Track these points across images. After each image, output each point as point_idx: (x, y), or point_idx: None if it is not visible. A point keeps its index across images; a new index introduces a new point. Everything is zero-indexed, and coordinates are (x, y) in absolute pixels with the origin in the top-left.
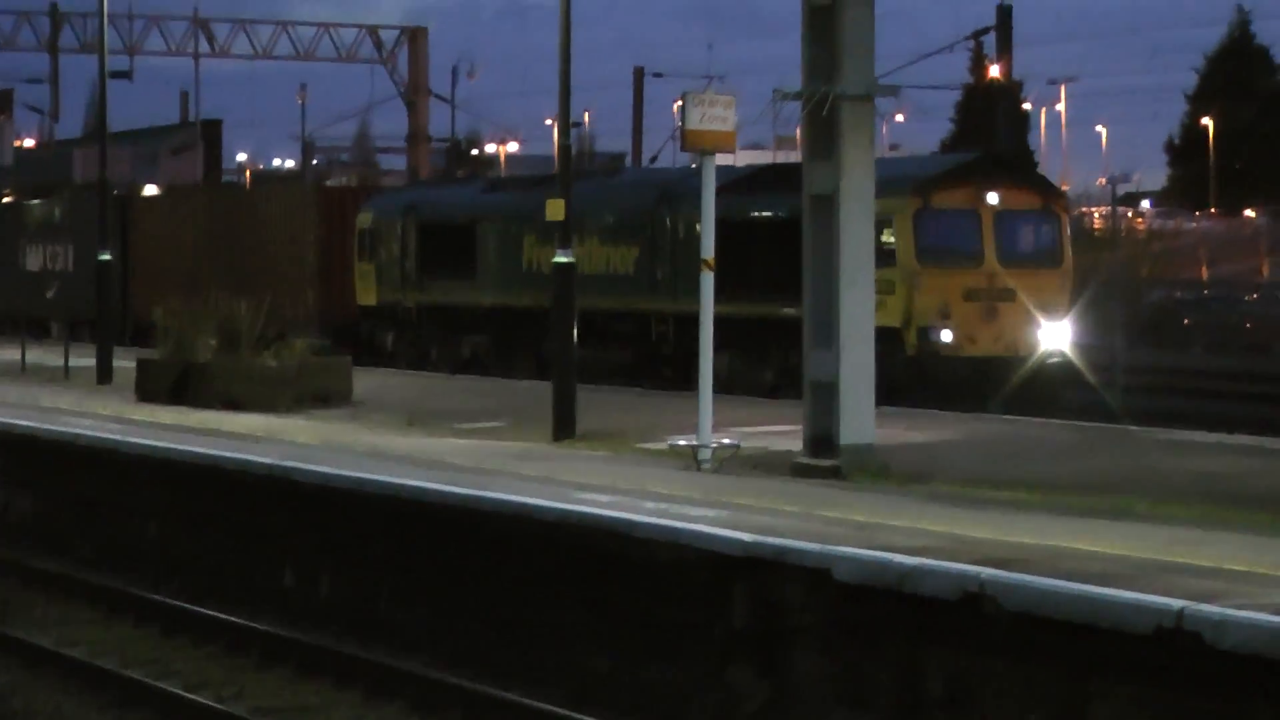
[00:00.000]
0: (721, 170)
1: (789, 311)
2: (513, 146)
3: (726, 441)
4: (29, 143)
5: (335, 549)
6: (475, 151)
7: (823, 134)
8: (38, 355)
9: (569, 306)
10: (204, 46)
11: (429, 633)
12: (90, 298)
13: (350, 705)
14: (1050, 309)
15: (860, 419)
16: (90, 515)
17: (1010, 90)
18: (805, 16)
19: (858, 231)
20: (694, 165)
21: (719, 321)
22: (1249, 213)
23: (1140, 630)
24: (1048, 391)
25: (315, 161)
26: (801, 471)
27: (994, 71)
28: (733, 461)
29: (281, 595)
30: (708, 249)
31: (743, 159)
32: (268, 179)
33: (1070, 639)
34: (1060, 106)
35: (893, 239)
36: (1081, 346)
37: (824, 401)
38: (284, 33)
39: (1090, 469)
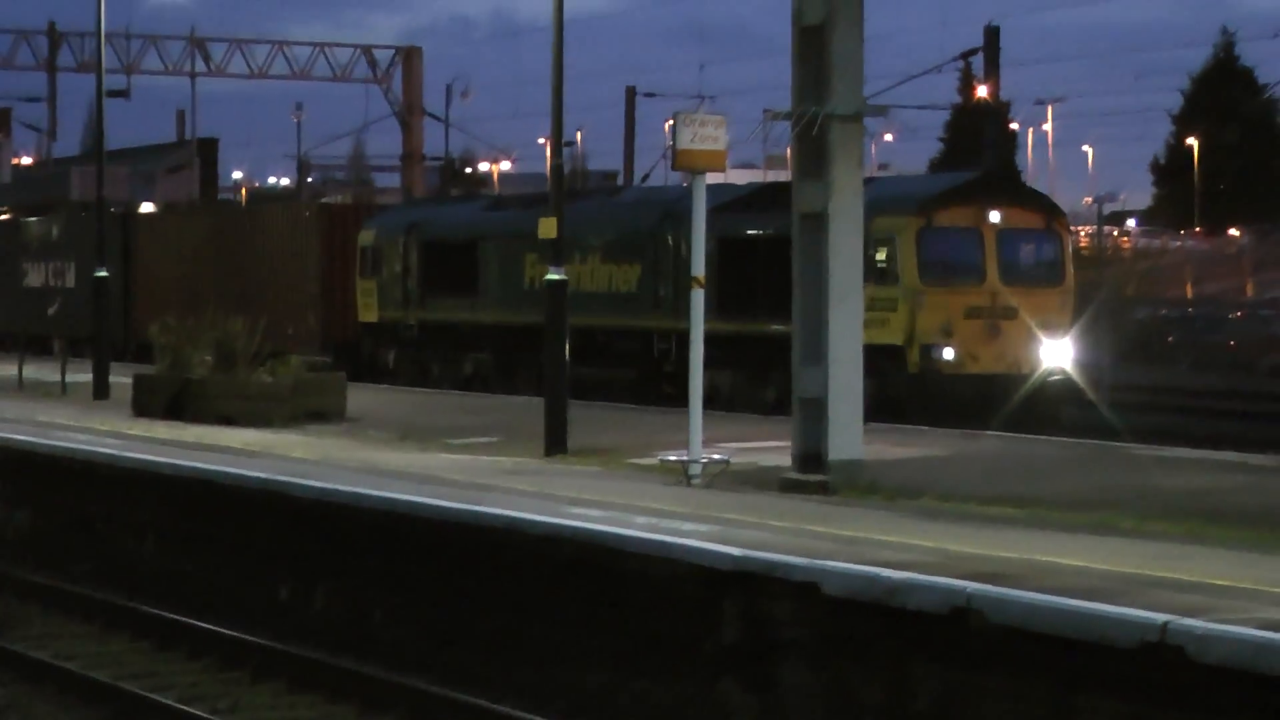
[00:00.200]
0: (723, 189)
1: (789, 329)
2: (506, 165)
3: (716, 457)
4: (27, 161)
5: (330, 563)
6: (469, 170)
7: (812, 153)
8: (35, 371)
9: (561, 323)
10: (200, 66)
11: (423, 647)
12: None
13: (344, 719)
14: (1052, 327)
15: (849, 435)
16: (86, 530)
17: (998, 110)
18: (795, 37)
19: (847, 250)
20: (684, 183)
21: (721, 339)
22: (1233, 232)
23: (1125, 644)
24: (1048, 409)
25: (310, 180)
26: (791, 487)
27: (982, 92)
28: (723, 477)
29: (276, 609)
30: (698, 267)
31: (733, 178)
32: (265, 197)
33: (1057, 653)
34: (1047, 126)
35: (884, 258)
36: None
37: (813, 417)
38: (280, 52)
39: (1076, 485)
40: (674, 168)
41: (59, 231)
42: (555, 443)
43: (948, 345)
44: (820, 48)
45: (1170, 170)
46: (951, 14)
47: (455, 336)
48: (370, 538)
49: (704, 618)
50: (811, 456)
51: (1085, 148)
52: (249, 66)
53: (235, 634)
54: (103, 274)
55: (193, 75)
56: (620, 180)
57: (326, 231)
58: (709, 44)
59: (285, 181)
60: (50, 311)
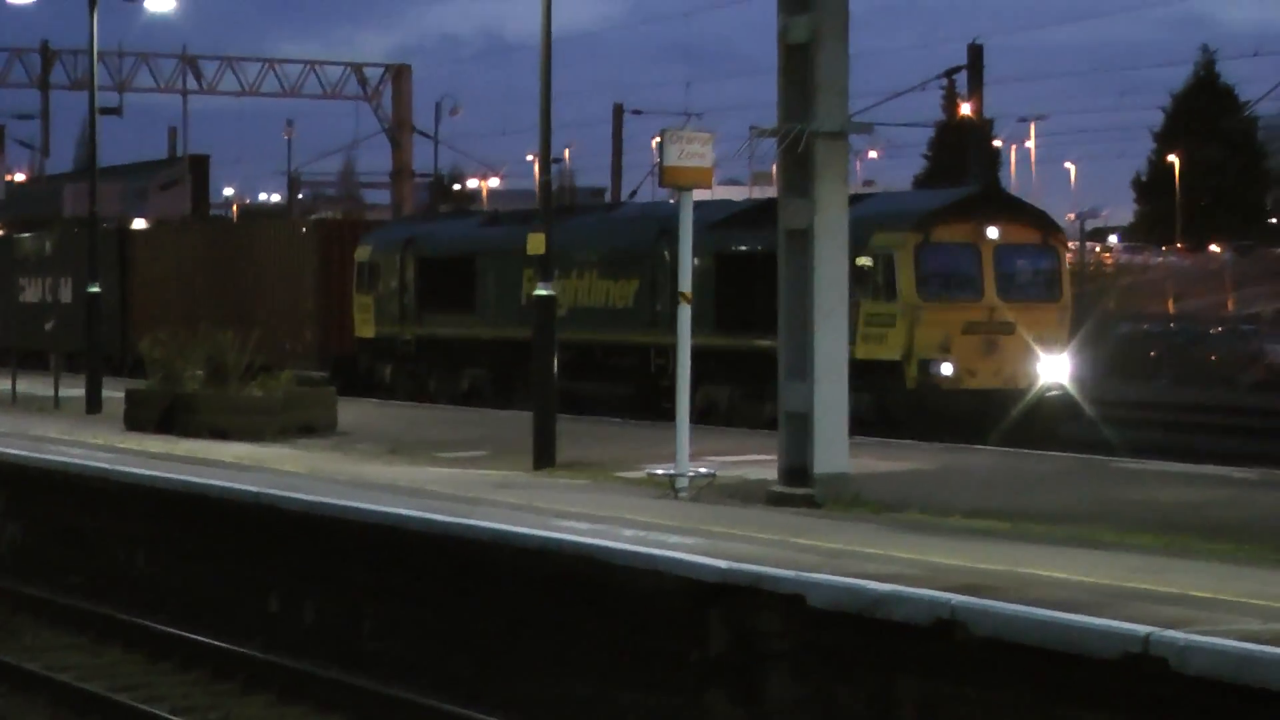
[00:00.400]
0: (720, 205)
1: None
2: (494, 181)
3: (703, 470)
4: (20, 177)
5: (319, 575)
6: (458, 186)
7: (798, 170)
8: (29, 385)
9: (549, 338)
10: (192, 83)
11: (412, 658)
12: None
13: None
14: (1049, 342)
15: (834, 449)
16: (79, 543)
17: (982, 128)
18: (781, 55)
19: (832, 266)
20: (671, 199)
21: (718, 355)
22: (1214, 248)
23: (1107, 656)
24: (1046, 424)
25: (301, 196)
26: (777, 500)
27: (966, 109)
28: (709, 490)
29: (267, 621)
30: (685, 282)
31: (720, 195)
32: (257, 213)
33: (1040, 665)
34: (1030, 144)
35: (882, 273)
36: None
37: (798, 432)
38: (271, 70)
39: (1061, 499)
40: (661, 184)
41: (55, 247)
42: (543, 456)
43: (946, 360)
44: (806, 66)
45: (1152, 187)
46: (935, 33)
47: (452, 352)
48: (360, 550)
49: (691, 629)
50: (797, 470)
51: (1068, 165)
52: (240, 84)
53: (226, 645)
54: (95, 289)
55: (184, 92)
56: (608, 196)
57: (323, 247)
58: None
59: (276, 198)
60: (47, 327)
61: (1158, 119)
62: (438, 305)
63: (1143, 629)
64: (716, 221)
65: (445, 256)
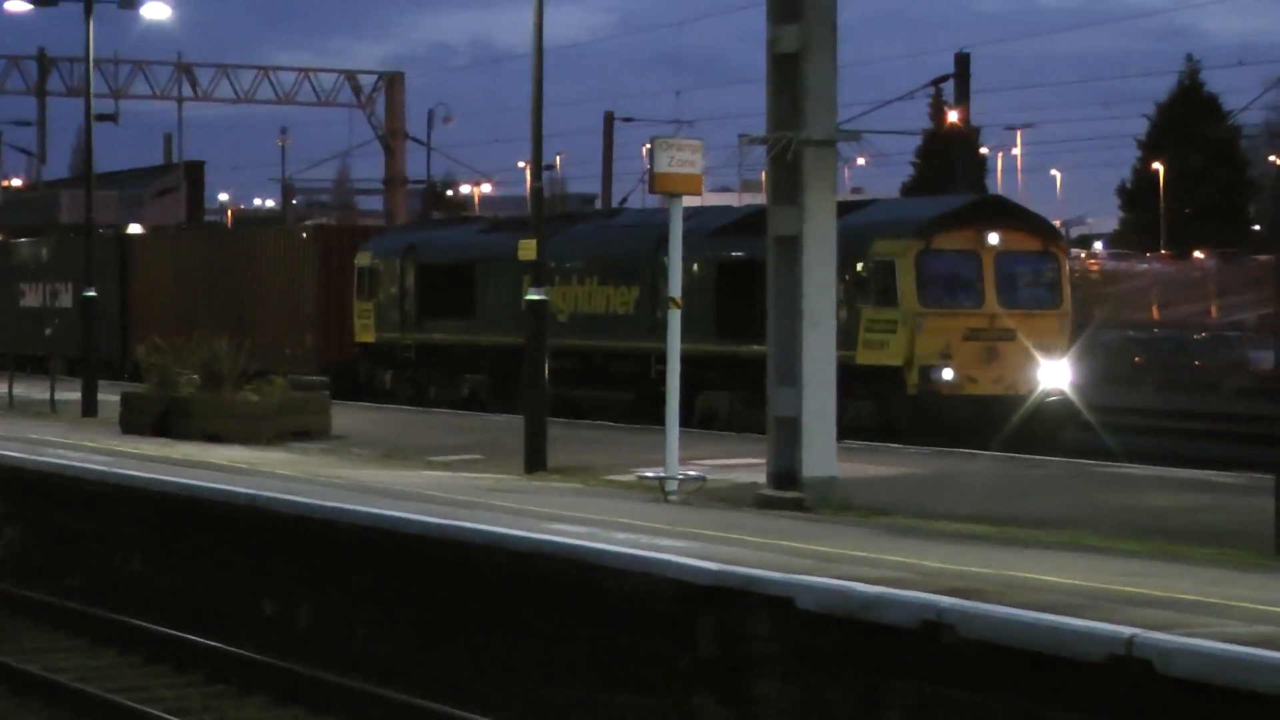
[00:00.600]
0: (721, 211)
1: None
2: (486, 188)
3: (693, 474)
4: (16, 183)
5: (314, 578)
6: (450, 193)
7: (787, 178)
8: (26, 390)
9: (541, 343)
10: (187, 91)
11: (406, 660)
12: (96, 336)
13: None
14: (1049, 349)
15: (823, 453)
16: (75, 546)
17: (969, 136)
18: (770, 65)
19: (820, 273)
20: (664, 205)
21: (719, 361)
22: (1198, 255)
23: (1093, 658)
24: (1046, 430)
25: (295, 202)
26: (766, 504)
27: (953, 118)
28: (699, 494)
29: (262, 624)
30: (675, 288)
31: (709, 202)
32: (251, 220)
33: (1026, 667)
34: (1017, 152)
35: (883, 280)
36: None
37: (787, 436)
38: (265, 78)
39: (1047, 503)
40: (651, 191)
41: (55, 253)
42: (535, 461)
43: (946, 367)
44: (795, 75)
45: (1137, 195)
46: (923, 44)
47: (452, 357)
48: (353, 553)
49: (681, 632)
50: (786, 474)
51: (1054, 173)
52: (235, 91)
53: (222, 647)
54: (91, 294)
55: (180, 100)
56: (599, 203)
57: (323, 253)
58: (685, 72)
59: (270, 204)
60: (47, 332)
61: (1142, 128)
62: (438, 311)
63: (1127, 631)
64: (717, 229)
65: (445, 263)
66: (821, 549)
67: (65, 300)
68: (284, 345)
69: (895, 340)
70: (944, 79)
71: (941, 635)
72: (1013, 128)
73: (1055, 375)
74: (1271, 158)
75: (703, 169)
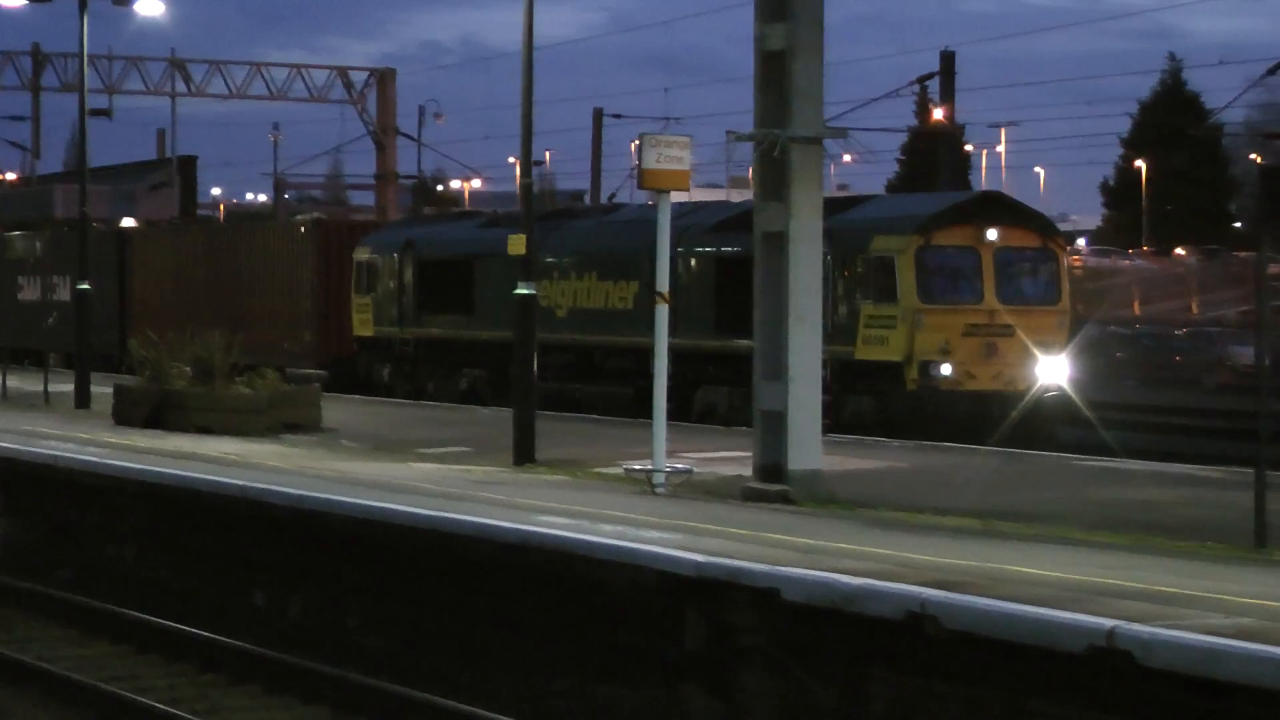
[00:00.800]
0: (721, 206)
1: None
2: (477, 184)
3: (679, 467)
4: (11, 178)
5: (305, 570)
6: (441, 189)
7: (774, 175)
8: (19, 382)
9: (530, 337)
10: (181, 86)
11: (395, 650)
12: (91, 328)
13: None
14: (1048, 345)
15: (808, 447)
16: (68, 537)
17: (953, 134)
18: (758, 63)
19: (806, 268)
20: (651, 202)
21: (718, 357)
22: (1180, 252)
23: (1074, 649)
24: (1044, 426)
25: (287, 197)
26: (752, 496)
27: (938, 116)
28: (686, 487)
29: (253, 615)
30: (662, 283)
31: (697, 199)
32: (244, 215)
33: (1008, 658)
34: (1001, 149)
35: (883, 276)
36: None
37: (773, 430)
38: (258, 74)
39: (1030, 497)
40: (640, 187)
41: (53, 248)
42: (524, 454)
43: (946, 363)
44: (782, 73)
45: (1119, 193)
46: (908, 42)
47: (450, 352)
48: (344, 544)
49: (667, 623)
50: (772, 467)
51: (1037, 170)
52: (228, 87)
53: (214, 637)
54: (85, 287)
55: (173, 95)
56: (588, 199)
57: (322, 248)
58: (674, 70)
59: (263, 199)
60: (47, 325)
61: (1125, 126)
62: (436, 306)
63: (1108, 623)
64: (716, 224)
65: (444, 258)
66: (806, 541)
67: (63, 294)
68: (282, 340)
69: (895, 336)
70: (929, 77)
71: (925, 627)
72: (997, 125)
73: (1054, 371)
74: (1252, 156)
75: (690, 166)
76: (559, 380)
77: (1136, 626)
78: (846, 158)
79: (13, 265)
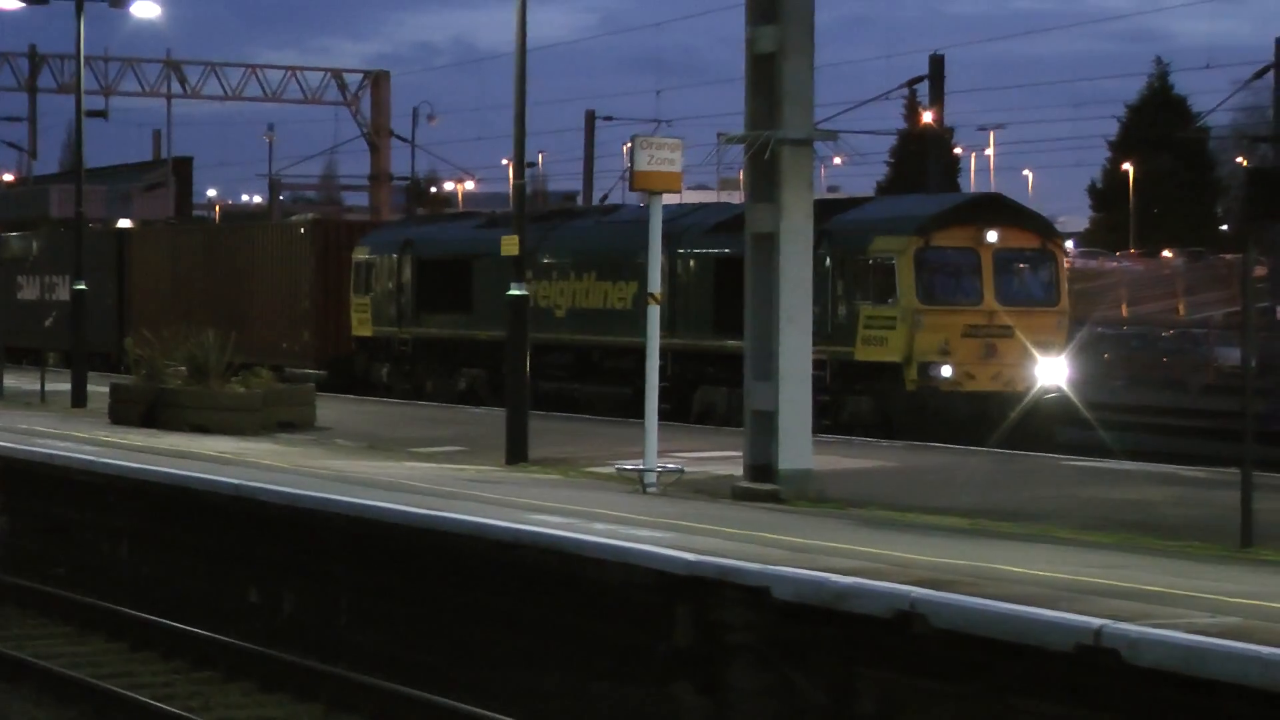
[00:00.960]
0: (720, 208)
1: None
2: (470, 185)
3: (671, 466)
4: (8, 178)
5: (298, 567)
6: (434, 190)
7: (764, 176)
8: (16, 381)
9: (522, 337)
10: (176, 88)
11: (388, 648)
12: (89, 328)
13: (312, 717)
14: (1047, 346)
15: (798, 446)
16: (63, 534)
17: (942, 136)
18: (748, 65)
19: (797, 269)
20: (643, 204)
21: (718, 357)
22: (1166, 254)
23: (1062, 648)
24: (1043, 427)
25: (282, 198)
26: (742, 495)
27: (927, 118)
28: (677, 486)
29: (247, 612)
30: (654, 284)
31: (688, 200)
32: (238, 215)
33: (996, 656)
34: (990, 152)
35: (883, 277)
36: None
37: (764, 430)
38: (253, 76)
39: (1018, 496)
40: (631, 189)
41: (52, 247)
42: (516, 453)
43: (945, 363)
44: (772, 75)
45: (1107, 195)
46: (897, 45)
47: (449, 352)
48: (337, 542)
49: (658, 621)
50: (762, 467)
51: (1026, 172)
52: (223, 89)
53: (207, 634)
54: (81, 287)
55: (169, 97)
56: (580, 201)
57: (321, 248)
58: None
59: (258, 199)
60: (46, 324)
61: (1113, 129)
62: (435, 306)
63: (1096, 622)
64: (715, 224)
65: (443, 258)
66: (796, 540)
67: (62, 294)
68: (281, 339)
69: (894, 337)
70: (918, 80)
71: (914, 625)
72: (985, 128)
73: (1053, 372)
74: (1239, 159)
75: (682, 167)
76: (558, 380)
77: (1124, 625)
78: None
79: (11, 265)
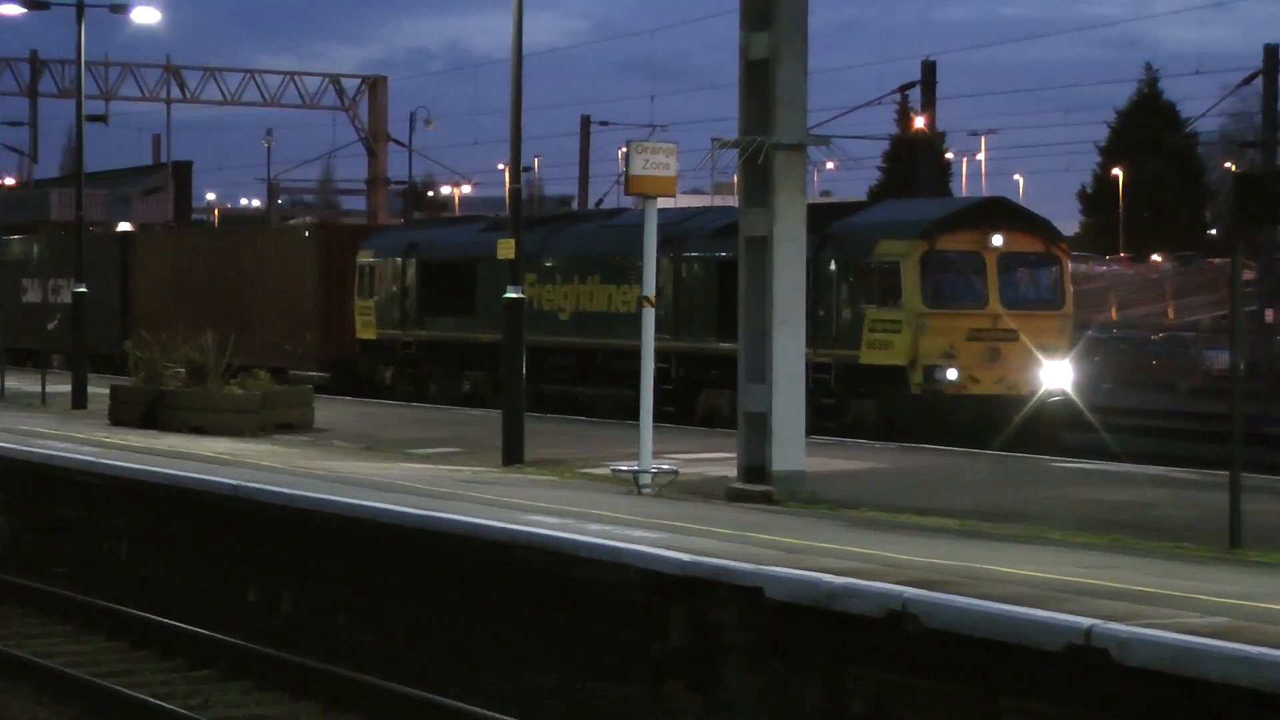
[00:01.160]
0: (725, 211)
1: None
2: (466, 189)
3: (665, 467)
4: (9, 182)
5: (295, 567)
6: (431, 194)
7: (758, 181)
8: (17, 382)
9: (518, 339)
10: (176, 93)
11: (384, 647)
12: (93, 330)
13: (310, 716)
14: (1051, 349)
15: (791, 448)
16: (63, 535)
17: (934, 141)
18: (742, 71)
19: (789, 272)
20: (637, 207)
21: (722, 360)
22: (1156, 258)
23: (1052, 647)
24: (1047, 430)
25: (280, 202)
26: (736, 496)
27: (919, 123)
28: (671, 487)
29: (245, 611)
30: (649, 287)
31: (682, 204)
32: (237, 219)
33: (987, 656)
34: (981, 157)
35: (888, 281)
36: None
37: (757, 432)
38: (252, 80)
39: (1008, 498)
40: (627, 193)
41: (56, 250)
42: (512, 454)
43: (950, 367)
44: (766, 81)
45: (1097, 199)
46: (888, 51)
47: (452, 354)
48: (334, 542)
49: (652, 620)
50: (755, 468)
51: (1016, 177)
52: (222, 93)
53: (206, 633)
54: (81, 290)
55: (168, 101)
56: (575, 205)
57: (325, 251)
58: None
59: (256, 203)
60: (50, 327)
61: (1103, 134)
62: (438, 309)
63: (1086, 622)
64: (720, 228)
65: (446, 261)
66: (789, 541)
67: (66, 296)
68: (285, 342)
69: (899, 340)
70: (910, 86)
71: (905, 625)
72: (976, 133)
73: (1057, 375)
74: (1227, 164)
75: (676, 171)
76: (563, 383)
77: (1114, 625)
78: (830, 164)
79: (16, 268)
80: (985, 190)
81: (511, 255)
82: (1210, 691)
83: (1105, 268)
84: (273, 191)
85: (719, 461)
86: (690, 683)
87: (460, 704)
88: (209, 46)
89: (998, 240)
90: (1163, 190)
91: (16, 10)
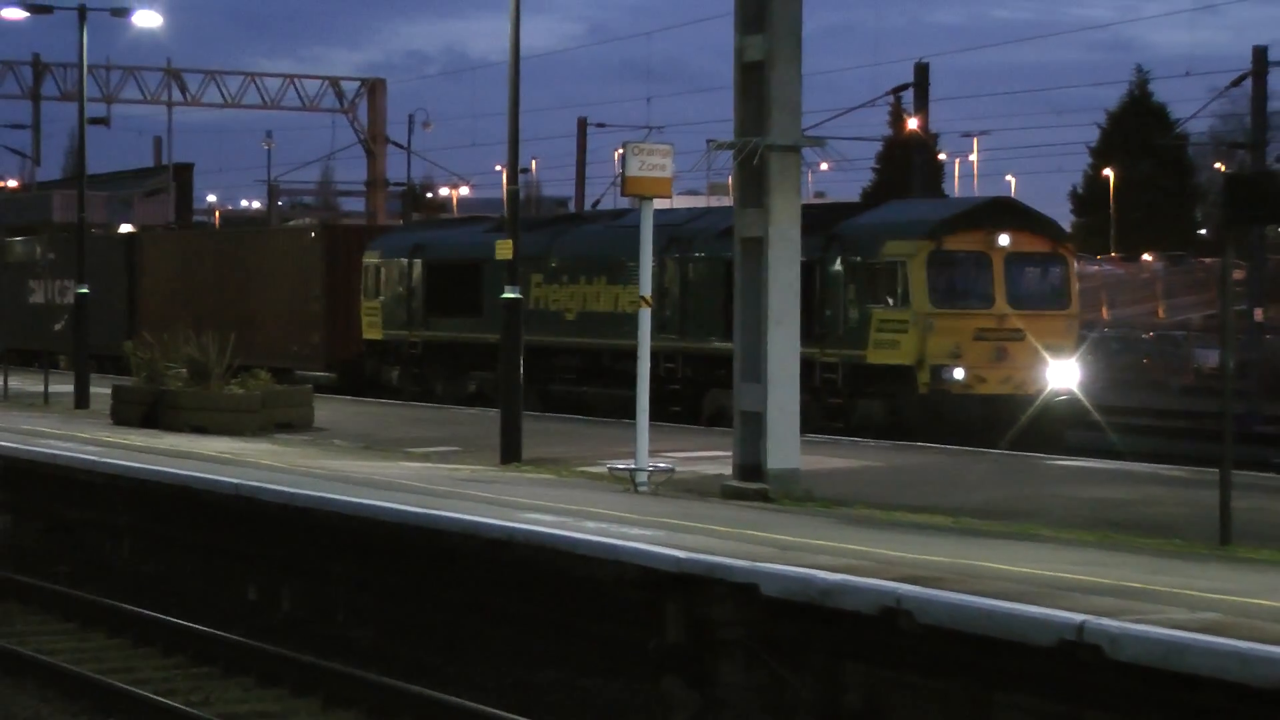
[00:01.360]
0: (729, 211)
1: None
2: (464, 191)
3: (661, 465)
4: (12, 184)
5: (295, 565)
6: (429, 195)
7: (753, 182)
8: (20, 383)
9: (516, 339)
10: (177, 96)
11: (384, 644)
12: (99, 331)
13: (310, 712)
14: (1058, 349)
15: (786, 447)
16: (65, 533)
17: (927, 143)
18: (737, 73)
19: (784, 273)
20: (634, 206)
21: (730, 360)
22: (1147, 258)
23: (1044, 643)
24: (1054, 429)
25: (280, 204)
26: (731, 494)
27: (912, 125)
28: (668, 485)
29: (246, 609)
30: (645, 286)
31: (678, 205)
32: (237, 220)
33: (980, 652)
34: (973, 158)
35: (895, 281)
36: None
37: (752, 430)
38: (252, 83)
39: (1001, 495)
40: (623, 194)
41: (61, 252)
42: (510, 453)
43: (957, 366)
44: (761, 83)
45: (1088, 200)
46: (881, 53)
47: (458, 355)
48: (334, 540)
49: (649, 617)
50: (751, 466)
51: (1009, 178)
52: (223, 96)
53: (208, 630)
54: (84, 290)
55: (169, 104)
56: (572, 206)
57: (330, 252)
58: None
59: (256, 205)
60: (56, 328)
61: (1094, 136)
62: (445, 309)
63: (1077, 617)
64: (725, 228)
65: (452, 262)
66: (784, 538)
67: (72, 297)
68: (291, 342)
69: (906, 340)
70: (904, 88)
71: (899, 621)
72: (969, 135)
73: (1064, 375)
74: (1217, 165)
75: (672, 173)
76: (569, 383)
77: (1105, 621)
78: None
79: (22, 269)
80: (978, 191)
81: (509, 256)
82: (1200, 686)
83: (1096, 267)
84: (273, 193)
85: (715, 460)
86: (687, 679)
87: (459, 700)
88: (209, 50)
89: (1004, 240)
90: (1153, 191)
91: (19, 14)
